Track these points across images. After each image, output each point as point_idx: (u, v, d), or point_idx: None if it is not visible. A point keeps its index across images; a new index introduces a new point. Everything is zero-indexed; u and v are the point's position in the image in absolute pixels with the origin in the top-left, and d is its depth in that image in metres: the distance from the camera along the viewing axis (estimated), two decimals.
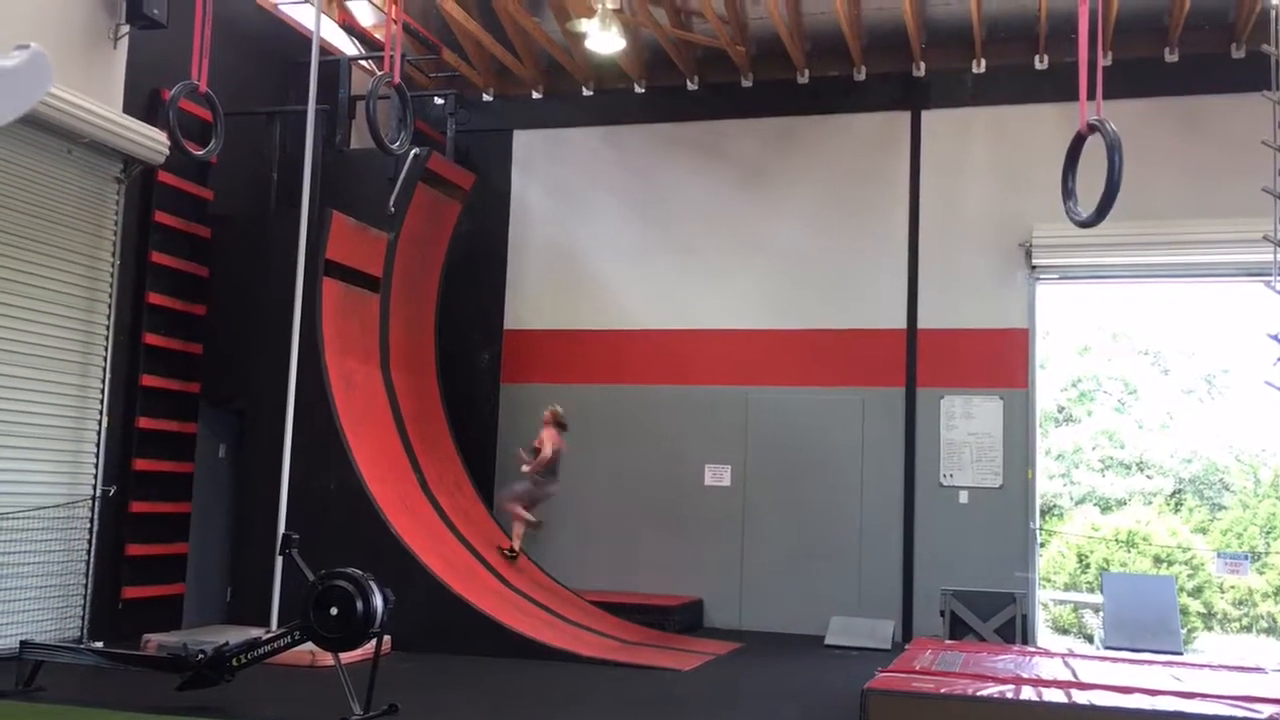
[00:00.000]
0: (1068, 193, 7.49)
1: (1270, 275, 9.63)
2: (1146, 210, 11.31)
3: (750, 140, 13.21)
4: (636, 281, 13.31)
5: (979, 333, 12.24)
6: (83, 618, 9.39)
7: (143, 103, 10.11)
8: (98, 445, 9.66)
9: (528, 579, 11.24)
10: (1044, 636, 13.34)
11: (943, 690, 6.51)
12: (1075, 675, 7.28)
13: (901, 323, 12.43)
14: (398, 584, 7.30)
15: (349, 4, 12.25)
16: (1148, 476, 19.66)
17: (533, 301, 13.63)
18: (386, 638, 7.21)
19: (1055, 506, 19.03)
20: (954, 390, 12.20)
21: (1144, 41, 11.94)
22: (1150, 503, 18.87)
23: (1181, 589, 15.33)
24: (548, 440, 11.28)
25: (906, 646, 9.12)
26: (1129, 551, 16.55)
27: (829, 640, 11.31)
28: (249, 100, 11.21)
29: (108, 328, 9.82)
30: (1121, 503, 19.06)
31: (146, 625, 9.60)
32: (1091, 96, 7.24)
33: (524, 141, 13.90)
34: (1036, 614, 11.94)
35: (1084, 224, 7.37)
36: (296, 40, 11.76)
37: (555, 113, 13.77)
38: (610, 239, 13.45)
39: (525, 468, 11.30)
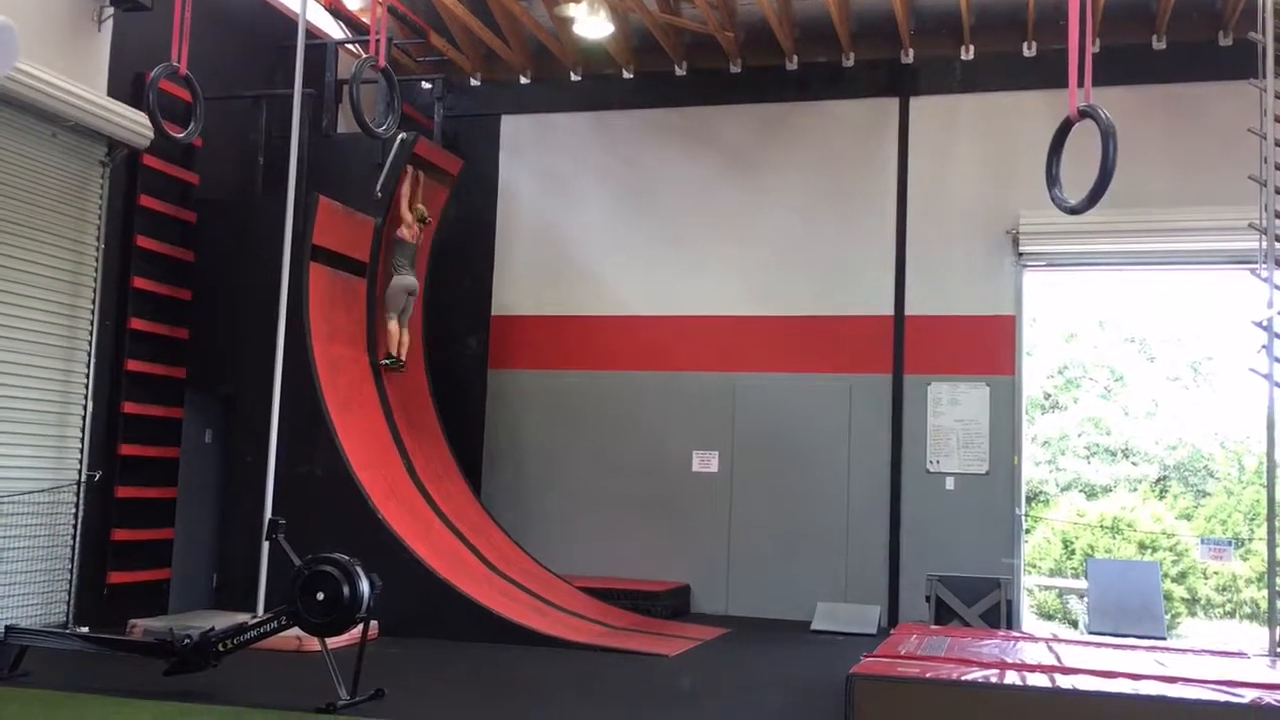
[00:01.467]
0: (1052, 179, 7.49)
1: (1256, 263, 9.66)
2: (1133, 198, 11.30)
3: (738, 126, 13.19)
4: (624, 268, 13.30)
5: (966, 320, 12.26)
6: (68, 603, 9.37)
7: (127, 86, 10.04)
8: (83, 430, 9.62)
9: (515, 565, 11.24)
10: (1029, 622, 13.41)
11: (928, 675, 6.54)
12: (1059, 660, 7.31)
13: (889, 309, 12.45)
14: (384, 569, 7.29)
15: None
16: (1133, 463, 19.77)
17: (520, 287, 13.60)
18: (373, 623, 7.20)
19: (1041, 493, 19.13)
20: (941, 377, 12.23)
21: (1132, 29, 11.95)
22: (1135, 489, 18.98)
23: (1166, 575, 15.43)
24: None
25: (892, 631, 9.15)
26: (1114, 538, 16.64)
27: (815, 625, 11.35)
28: (235, 84, 11.15)
29: (92, 312, 9.77)
30: (1107, 489, 19.17)
31: (132, 610, 9.57)
32: (1081, 83, 7.23)
33: (511, 127, 13.85)
34: (1021, 599, 12.01)
35: (1073, 210, 7.36)
36: (283, 23, 11.69)
37: (543, 98, 13.73)
38: (598, 225, 13.43)
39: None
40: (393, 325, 11.45)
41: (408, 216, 11.46)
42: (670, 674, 8.75)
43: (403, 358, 11.50)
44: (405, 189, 11.48)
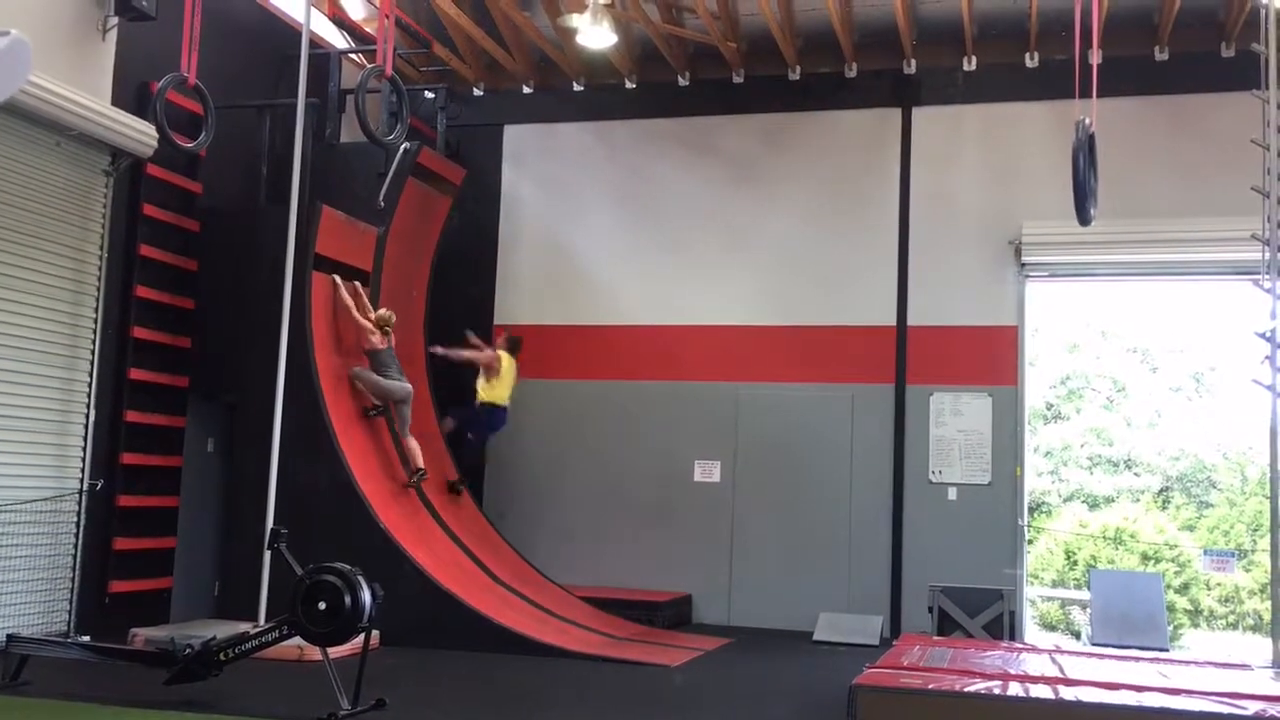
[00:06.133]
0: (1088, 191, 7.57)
1: (1259, 273, 9.65)
2: (1136, 208, 11.35)
3: (741, 136, 13.20)
4: (627, 277, 13.30)
5: (968, 330, 12.26)
6: (70, 612, 9.37)
7: (131, 95, 10.06)
8: (85, 439, 9.63)
9: (517, 574, 11.23)
10: (1031, 633, 13.40)
11: (930, 686, 6.53)
12: (1062, 671, 7.30)
13: (891, 320, 12.44)
14: (386, 579, 7.28)
15: None
16: (1135, 474, 19.75)
17: (523, 297, 13.60)
18: (375, 633, 7.19)
19: (1043, 503, 19.10)
20: (943, 387, 12.22)
21: (1134, 40, 11.96)
22: (1138, 500, 18.94)
23: (1168, 586, 15.40)
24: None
25: (895, 642, 9.14)
26: (1116, 548, 16.60)
27: (817, 636, 11.32)
28: (239, 93, 11.17)
29: (95, 321, 9.78)
30: (1109, 500, 19.13)
31: (134, 619, 9.54)
32: (1084, 95, 7.26)
33: (514, 136, 13.87)
34: (1024, 610, 11.98)
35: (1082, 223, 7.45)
36: (287, 33, 11.72)
37: (546, 107, 13.75)
38: (601, 234, 13.44)
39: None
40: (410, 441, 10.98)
41: (366, 325, 10.83)
42: (672, 684, 8.73)
43: (422, 465, 10.88)
44: (347, 299, 10.76)
